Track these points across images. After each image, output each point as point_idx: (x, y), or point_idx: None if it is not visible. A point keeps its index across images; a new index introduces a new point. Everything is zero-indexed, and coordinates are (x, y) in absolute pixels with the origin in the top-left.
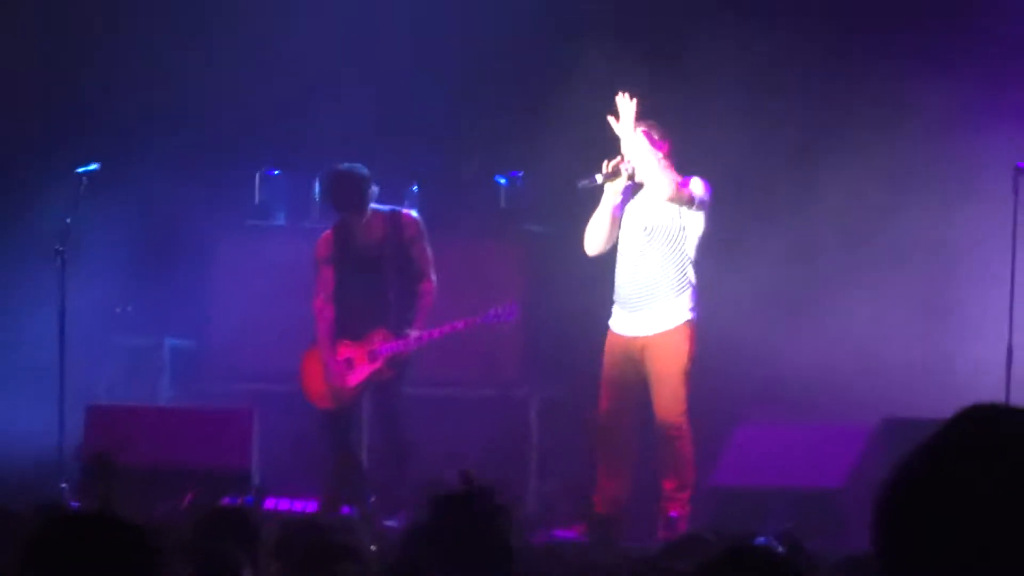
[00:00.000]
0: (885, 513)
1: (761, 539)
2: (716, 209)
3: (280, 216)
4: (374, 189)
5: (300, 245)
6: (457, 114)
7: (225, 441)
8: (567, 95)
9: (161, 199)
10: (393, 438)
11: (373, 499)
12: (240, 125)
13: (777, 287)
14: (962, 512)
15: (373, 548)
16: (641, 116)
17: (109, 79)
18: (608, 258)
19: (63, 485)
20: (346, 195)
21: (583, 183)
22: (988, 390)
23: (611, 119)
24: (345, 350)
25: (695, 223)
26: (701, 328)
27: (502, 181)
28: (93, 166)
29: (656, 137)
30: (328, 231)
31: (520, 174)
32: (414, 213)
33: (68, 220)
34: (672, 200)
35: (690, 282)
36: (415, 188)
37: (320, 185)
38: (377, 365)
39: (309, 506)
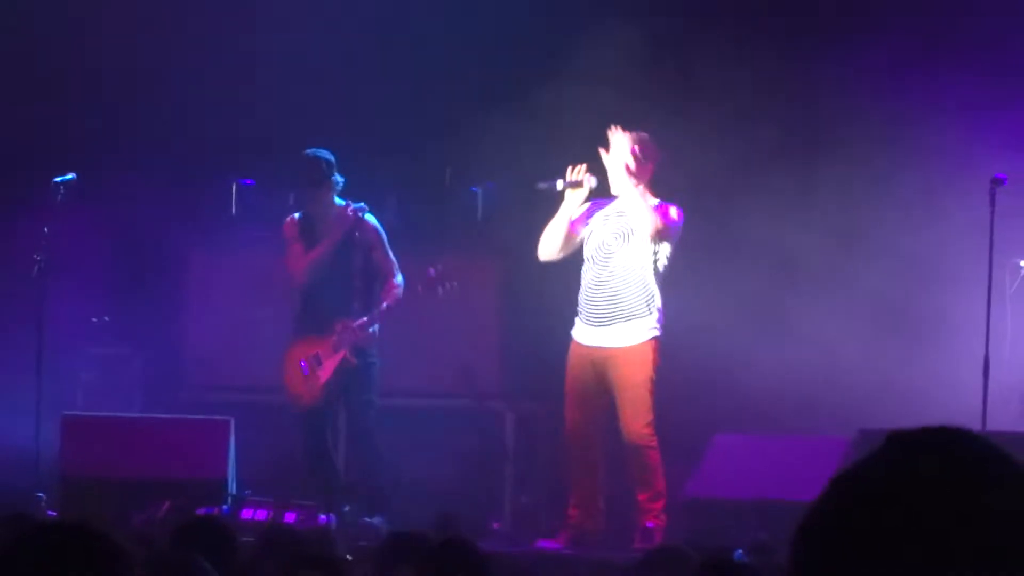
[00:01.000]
0: (794, 546)
1: (738, 552)
2: (688, 227)
3: (256, 226)
4: (336, 178)
5: (276, 255)
6: (434, 124)
7: (202, 451)
8: (545, 103)
9: (138, 209)
10: (366, 453)
11: (347, 508)
12: (216, 136)
13: (752, 300)
14: (853, 553)
15: (349, 558)
16: (633, 127)
17: (86, 89)
18: (581, 274)
19: (40, 495)
20: (305, 172)
21: (543, 185)
22: (965, 401)
23: (601, 151)
24: (312, 346)
25: (664, 249)
26: (676, 340)
27: (476, 190)
28: (70, 176)
29: (647, 152)
30: (293, 216)
31: (492, 185)
32: (373, 219)
33: (45, 229)
34: (656, 236)
35: (657, 302)
36: (393, 202)
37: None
38: (342, 354)
39: (287, 516)
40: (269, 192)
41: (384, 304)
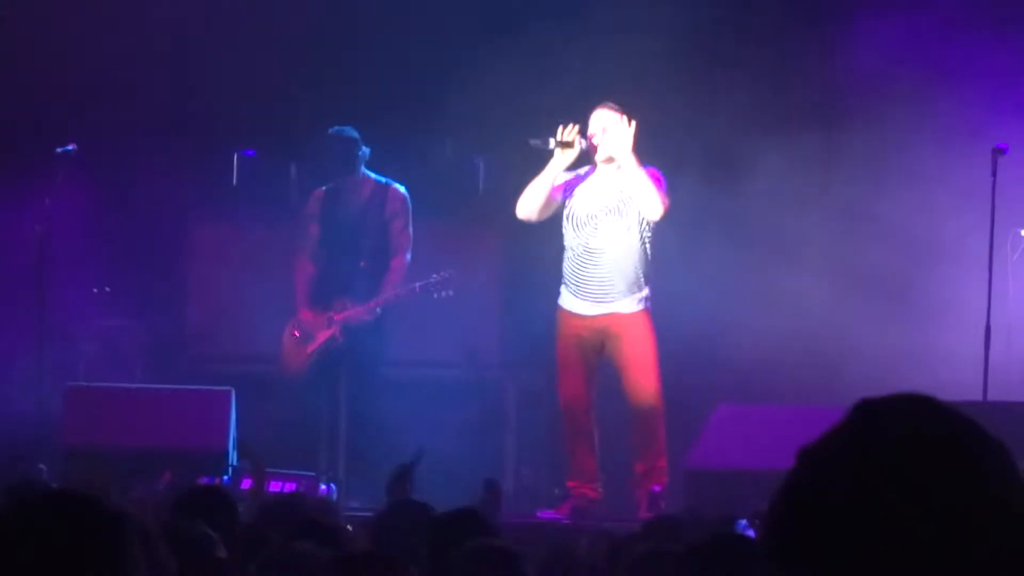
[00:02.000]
0: (769, 514)
1: (741, 522)
2: (689, 199)
3: (257, 197)
4: (364, 151)
5: (277, 226)
6: (436, 94)
7: (203, 421)
8: (546, 74)
9: (139, 180)
10: (360, 419)
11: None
12: (218, 106)
13: (754, 272)
14: (825, 516)
15: (349, 528)
16: (634, 93)
17: (87, 60)
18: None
19: (41, 466)
20: (335, 156)
21: (535, 142)
22: (967, 371)
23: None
24: (313, 317)
25: (652, 215)
26: (676, 312)
27: (477, 162)
28: (70, 147)
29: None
30: (321, 189)
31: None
32: (403, 189)
33: (46, 201)
34: (655, 220)
35: (646, 275)
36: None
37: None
38: (331, 331)
39: (287, 486)
40: (270, 163)
41: (392, 292)
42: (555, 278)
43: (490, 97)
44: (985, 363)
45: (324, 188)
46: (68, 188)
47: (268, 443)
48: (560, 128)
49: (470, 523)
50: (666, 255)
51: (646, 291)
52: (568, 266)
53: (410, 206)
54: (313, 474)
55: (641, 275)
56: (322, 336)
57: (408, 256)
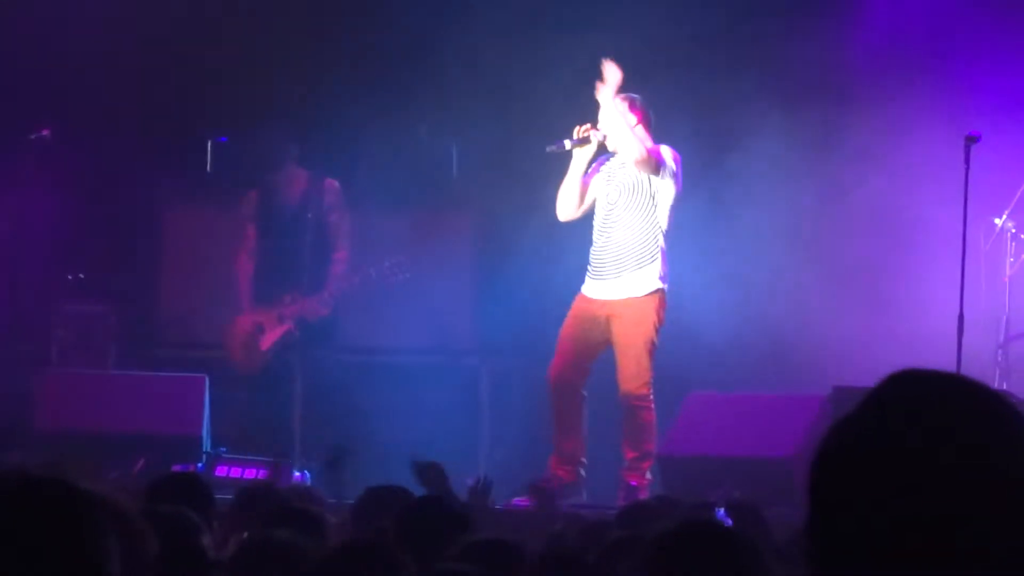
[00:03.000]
0: (814, 483)
1: (719, 512)
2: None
3: (231, 183)
4: (292, 148)
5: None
6: (407, 79)
7: (176, 408)
8: (519, 60)
9: (113, 166)
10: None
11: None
12: (192, 92)
13: (726, 258)
14: (883, 479)
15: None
16: (623, 90)
17: (60, 46)
18: (563, 228)
19: (13, 451)
20: (263, 156)
21: (551, 147)
22: (940, 359)
23: (597, 83)
24: (257, 315)
25: (665, 190)
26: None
27: (452, 146)
28: (44, 132)
29: (635, 107)
30: (252, 190)
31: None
32: (335, 181)
33: (20, 186)
34: (641, 165)
35: (661, 250)
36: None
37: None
38: (287, 327)
39: (260, 473)
40: (244, 148)
41: (346, 281)
42: (529, 264)
43: (464, 81)
44: (958, 351)
45: (255, 189)
46: (42, 174)
47: (241, 430)
48: (576, 128)
49: (437, 508)
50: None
51: (659, 267)
52: (591, 249)
53: (343, 197)
54: (287, 461)
55: (647, 251)
56: (276, 332)
57: (347, 246)
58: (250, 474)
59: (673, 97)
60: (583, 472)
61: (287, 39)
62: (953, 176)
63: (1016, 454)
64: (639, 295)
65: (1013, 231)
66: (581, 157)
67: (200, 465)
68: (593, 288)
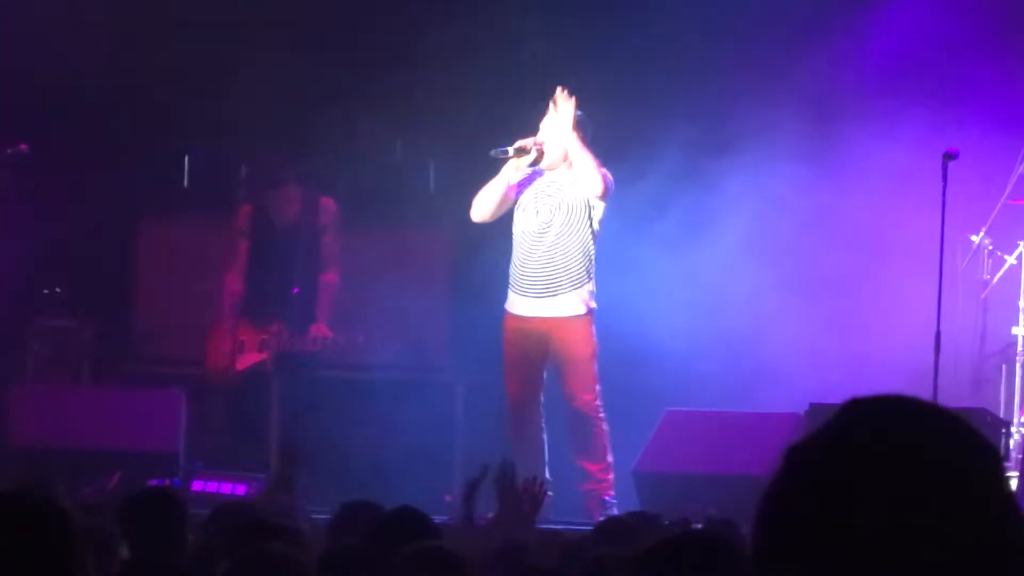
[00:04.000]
0: (760, 513)
1: (697, 526)
2: (634, 202)
3: (208, 198)
4: (290, 166)
5: (227, 228)
6: (383, 95)
7: (153, 423)
8: (494, 76)
9: (89, 181)
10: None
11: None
12: (168, 106)
13: (702, 275)
14: (818, 511)
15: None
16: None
17: (36, 59)
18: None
19: None
20: (260, 174)
21: (495, 152)
22: (917, 377)
23: (551, 105)
24: (241, 332)
25: (598, 213)
26: (623, 316)
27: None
28: (21, 147)
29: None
30: (249, 205)
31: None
32: (332, 201)
33: None
34: (598, 196)
35: (591, 273)
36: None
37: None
38: (264, 356)
39: (237, 488)
40: (221, 164)
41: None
42: (507, 280)
43: (441, 98)
44: (935, 369)
45: (251, 204)
46: (18, 188)
47: (217, 446)
48: (523, 141)
49: (412, 523)
50: (611, 257)
51: (590, 287)
52: (514, 264)
53: (339, 217)
54: (264, 476)
55: (584, 271)
56: (253, 357)
57: (338, 269)
58: (226, 489)
59: (649, 113)
60: (550, 492)
61: (264, 55)
62: (930, 193)
63: (975, 476)
64: (578, 314)
65: (990, 248)
66: (515, 164)
67: (176, 480)
68: (524, 306)
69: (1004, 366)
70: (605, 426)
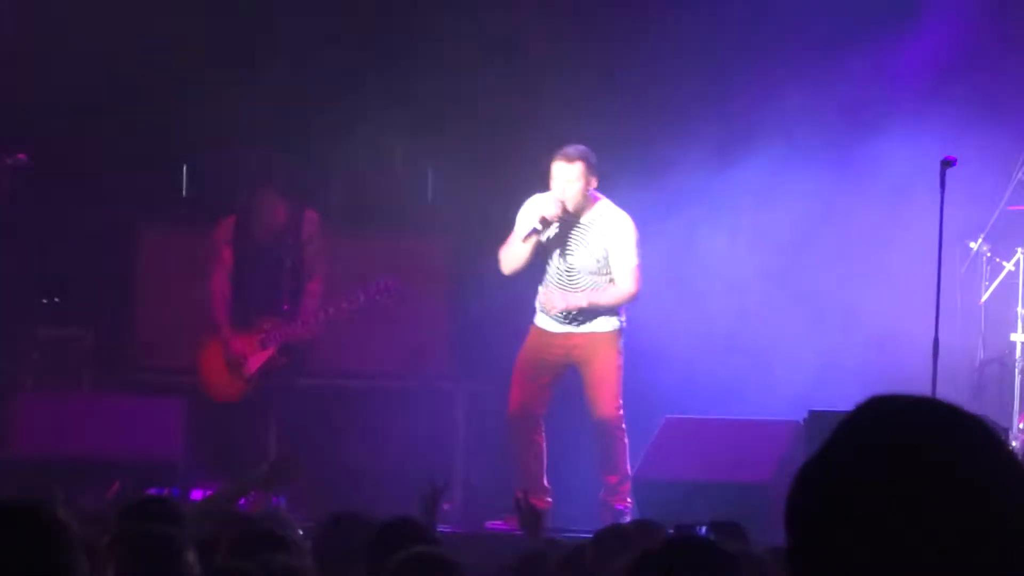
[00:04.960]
0: (791, 512)
1: (701, 529)
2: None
3: (207, 207)
4: (275, 176)
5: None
6: (382, 102)
7: (153, 432)
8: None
9: (89, 189)
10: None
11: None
12: (168, 115)
13: (696, 280)
14: (855, 511)
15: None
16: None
17: (35, 67)
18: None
19: None
20: (246, 179)
21: (528, 235)
22: (916, 383)
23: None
24: (235, 346)
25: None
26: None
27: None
28: (20, 156)
29: (591, 170)
30: (231, 216)
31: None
32: (315, 213)
33: None
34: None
35: (622, 310)
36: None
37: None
38: (270, 352)
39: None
40: (220, 173)
41: (316, 314)
42: (504, 287)
43: (439, 105)
44: (934, 374)
45: (234, 214)
46: (17, 197)
47: (216, 455)
48: (543, 217)
49: (409, 531)
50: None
51: (620, 315)
52: (546, 278)
53: (322, 228)
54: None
55: (617, 310)
56: (260, 357)
57: (322, 280)
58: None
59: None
60: (550, 499)
61: (262, 62)
62: (929, 200)
63: (994, 479)
64: (607, 330)
65: (988, 255)
66: (541, 233)
67: (175, 489)
68: (551, 324)
69: (1002, 372)
70: (625, 439)
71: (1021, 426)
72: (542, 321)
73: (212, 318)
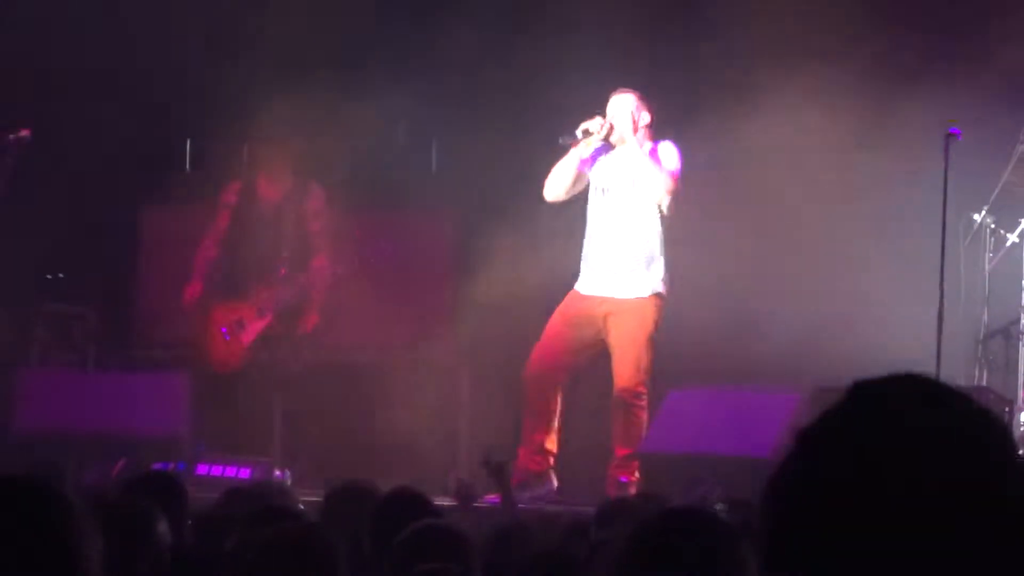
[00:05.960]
0: (767, 502)
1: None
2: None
3: (209, 181)
4: (283, 149)
5: None
6: (385, 76)
7: (157, 407)
8: (497, 58)
9: (92, 166)
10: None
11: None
12: (171, 91)
13: (703, 255)
14: (826, 501)
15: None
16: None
17: (39, 45)
18: (543, 226)
19: None
20: (258, 159)
21: (564, 139)
22: (920, 356)
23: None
24: (235, 310)
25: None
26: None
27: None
28: (24, 132)
29: (642, 105)
30: (238, 182)
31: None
32: (321, 188)
33: None
34: (670, 195)
35: (661, 254)
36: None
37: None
38: (267, 320)
39: (242, 472)
40: (222, 148)
41: (309, 280)
42: (510, 262)
43: (444, 78)
44: (938, 348)
45: (239, 181)
46: (20, 174)
47: (221, 430)
48: (589, 124)
49: (413, 504)
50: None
51: (662, 270)
52: (587, 241)
53: (327, 205)
54: (267, 460)
55: (655, 251)
56: (257, 325)
57: (328, 256)
58: (231, 472)
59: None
60: (552, 462)
61: (265, 38)
62: (934, 171)
63: (988, 461)
64: (642, 296)
65: (992, 227)
66: (584, 144)
67: (181, 464)
68: (590, 284)
69: (1007, 345)
70: (644, 414)
71: None
72: (583, 283)
73: (192, 272)
